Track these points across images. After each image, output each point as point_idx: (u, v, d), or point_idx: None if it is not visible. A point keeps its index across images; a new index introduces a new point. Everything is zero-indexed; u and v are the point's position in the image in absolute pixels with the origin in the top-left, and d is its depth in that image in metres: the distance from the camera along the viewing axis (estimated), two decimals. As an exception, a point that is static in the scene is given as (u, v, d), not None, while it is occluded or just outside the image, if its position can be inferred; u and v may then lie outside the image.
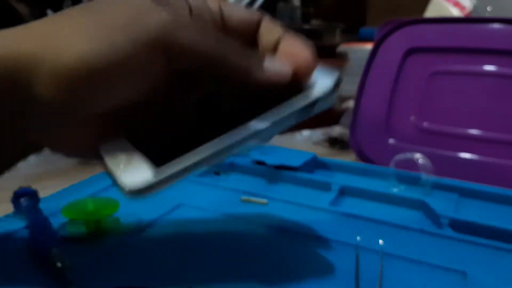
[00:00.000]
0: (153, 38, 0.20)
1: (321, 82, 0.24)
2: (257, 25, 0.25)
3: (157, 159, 0.21)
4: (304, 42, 0.25)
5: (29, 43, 0.20)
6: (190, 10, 0.23)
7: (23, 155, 0.24)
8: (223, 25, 0.24)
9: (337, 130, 0.66)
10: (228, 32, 0.25)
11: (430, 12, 0.71)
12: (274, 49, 0.25)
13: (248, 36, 0.25)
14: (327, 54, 0.87)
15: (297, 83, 0.24)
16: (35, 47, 0.20)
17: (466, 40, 0.47)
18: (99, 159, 0.22)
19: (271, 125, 0.22)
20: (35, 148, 0.24)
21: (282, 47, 0.25)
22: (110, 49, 0.20)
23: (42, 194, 0.32)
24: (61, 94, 0.20)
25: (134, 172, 0.21)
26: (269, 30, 0.25)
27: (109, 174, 0.21)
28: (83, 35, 0.20)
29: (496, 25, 0.45)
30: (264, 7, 0.67)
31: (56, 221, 0.29)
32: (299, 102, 0.23)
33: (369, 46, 0.57)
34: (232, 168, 0.43)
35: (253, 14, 0.25)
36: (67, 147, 0.23)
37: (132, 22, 0.20)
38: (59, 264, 0.24)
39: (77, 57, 0.19)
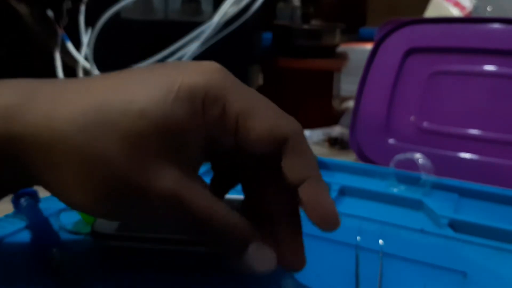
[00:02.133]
0: None
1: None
2: (280, 148, 0.21)
3: None
4: (326, 193, 0.22)
5: None
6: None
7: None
8: (235, 144, 0.21)
9: (337, 130, 0.66)
10: (242, 151, 0.22)
11: (430, 12, 0.71)
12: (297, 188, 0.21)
13: (268, 159, 0.22)
14: (327, 54, 0.87)
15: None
16: None
17: (466, 40, 0.47)
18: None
19: None
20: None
21: (305, 197, 0.21)
22: None
23: (42, 194, 0.32)
24: None
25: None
26: (292, 166, 0.21)
27: None
28: None
29: (496, 25, 0.45)
30: (264, 7, 0.67)
31: (56, 221, 0.29)
32: None
33: (369, 46, 0.57)
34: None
35: (277, 133, 0.21)
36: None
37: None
38: (59, 264, 0.24)
39: None
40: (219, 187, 0.26)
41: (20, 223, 0.29)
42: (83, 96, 0.20)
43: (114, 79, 0.21)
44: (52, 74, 0.64)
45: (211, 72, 0.21)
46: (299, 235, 0.23)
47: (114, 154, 0.19)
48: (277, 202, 0.23)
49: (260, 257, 0.21)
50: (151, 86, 0.20)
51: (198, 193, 0.21)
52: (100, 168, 0.19)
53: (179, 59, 0.64)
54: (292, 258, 0.23)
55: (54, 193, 0.21)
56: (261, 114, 0.21)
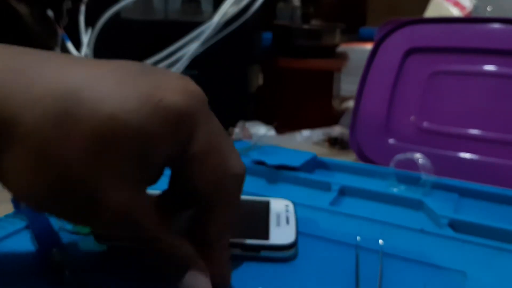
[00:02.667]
0: None
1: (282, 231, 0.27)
2: (210, 196, 0.23)
3: None
4: (225, 261, 0.24)
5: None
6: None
7: None
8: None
9: (337, 130, 0.66)
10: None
11: (430, 12, 0.71)
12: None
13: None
14: (327, 54, 0.87)
15: None
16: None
17: (466, 40, 0.47)
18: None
19: None
20: None
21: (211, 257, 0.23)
22: None
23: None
24: None
25: None
26: (212, 224, 0.23)
27: None
28: None
29: (496, 25, 0.45)
30: (264, 7, 0.67)
31: (57, 221, 0.29)
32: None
33: (369, 46, 0.57)
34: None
35: (216, 187, 0.22)
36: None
37: None
38: (59, 263, 0.24)
39: None
40: (169, 203, 0.25)
41: (20, 223, 0.29)
42: (60, 78, 0.19)
43: (97, 68, 0.20)
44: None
45: (192, 98, 0.21)
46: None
47: (72, 154, 0.18)
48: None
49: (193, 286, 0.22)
50: (130, 90, 0.19)
51: (148, 214, 0.21)
52: (53, 163, 0.18)
53: (179, 59, 0.64)
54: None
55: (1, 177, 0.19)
56: (215, 158, 0.22)
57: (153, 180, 0.23)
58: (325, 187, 0.39)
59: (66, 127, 0.18)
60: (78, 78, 0.19)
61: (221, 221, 0.23)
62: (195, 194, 0.23)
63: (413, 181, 0.40)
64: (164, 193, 0.26)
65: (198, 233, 0.23)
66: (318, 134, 0.66)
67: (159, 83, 0.20)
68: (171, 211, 0.25)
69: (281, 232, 0.27)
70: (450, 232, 0.31)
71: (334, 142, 0.63)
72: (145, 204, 0.21)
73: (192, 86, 0.21)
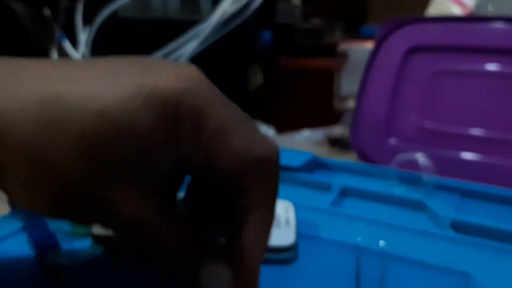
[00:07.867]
0: None
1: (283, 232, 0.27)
2: (243, 178, 0.19)
3: None
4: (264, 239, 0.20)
5: None
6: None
7: None
8: (205, 163, 0.19)
9: (337, 130, 0.66)
10: (211, 171, 0.19)
11: (432, 10, 0.71)
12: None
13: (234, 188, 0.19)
14: (327, 53, 0.86)
15: None
16: None
17: (468, 38, 0.46)
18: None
19: None
20: None
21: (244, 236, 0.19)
22: None
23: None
24: None
25: None
26: (251, 195, 0.19)
27: None
28: None
29: (498, 24, 0.45)
30: (264, 6, 0.67)
31: (53, 222, 0.29)
32: None
33: (370, 45, 0.56)
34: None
35: (254, 153, 0.19)
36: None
37: None
38: (56, 265, 0.23)
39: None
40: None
41: (16, 224, 0.29)
42: (42, 83, 0.17)
43: (80, 66, 0.19)
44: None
45: (189, 79, 0.18)
46: None
47: (67, 162, 0.16)
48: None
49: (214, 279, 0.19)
50: (117, 83, 0.17)
51: (160, 220, 0.19)
52: (51, 175, 0.17)
53: (178, 58, 0.63)
54: None
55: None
56: (239, 131, 0.19)
57: (168, 181, 0.20)
58: (325, 187, 0.38)
59: (54, 134, 0.16)
60: (61, 79, 0.17)
61: (255, 224, 0.19)
62: (220, 195, 0.20)
63: (415, 182, 0.39)
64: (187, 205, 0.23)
65: (230, 247, 0.20)
66: (318, 134, 0.66)
67: (149, 72, 0.18)
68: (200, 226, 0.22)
69: (281, 234, 0.27)
70: (452, 233, 0.31)
71: (335, 142, 0.62)
72: (156, 211, 0.19)
73: (188, 70, 0.19)
